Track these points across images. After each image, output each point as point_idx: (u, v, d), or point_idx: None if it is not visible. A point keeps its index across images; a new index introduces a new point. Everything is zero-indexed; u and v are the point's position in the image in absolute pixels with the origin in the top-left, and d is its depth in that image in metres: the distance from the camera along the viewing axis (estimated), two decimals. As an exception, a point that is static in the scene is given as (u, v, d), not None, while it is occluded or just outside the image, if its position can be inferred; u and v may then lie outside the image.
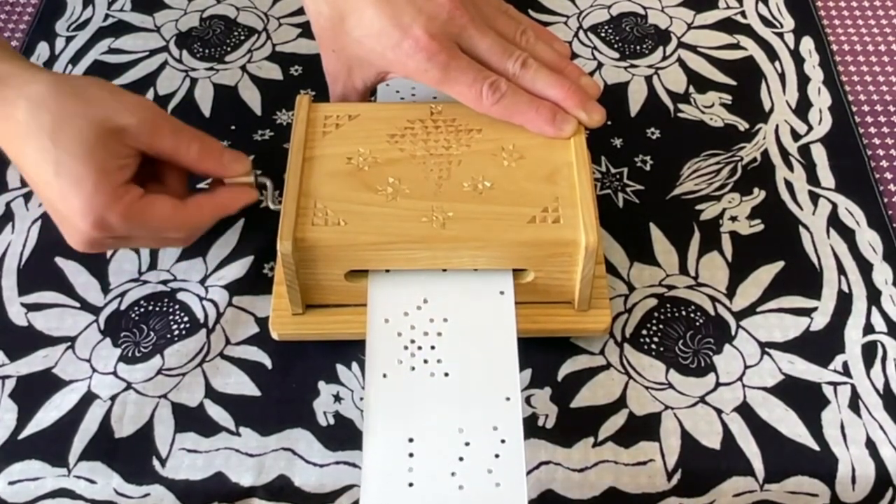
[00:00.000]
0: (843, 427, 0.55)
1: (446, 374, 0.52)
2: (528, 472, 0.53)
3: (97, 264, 0.61)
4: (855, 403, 0.56)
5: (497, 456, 0.49)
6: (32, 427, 0.55)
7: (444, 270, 0.54)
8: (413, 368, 0.52)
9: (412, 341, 0.52)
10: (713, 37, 0.75)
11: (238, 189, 0.56)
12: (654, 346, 0.58)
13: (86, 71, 0.73)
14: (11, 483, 0.53)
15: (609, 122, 0.63)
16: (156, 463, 0.54)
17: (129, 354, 0.58)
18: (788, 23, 0.76)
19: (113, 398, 0.56)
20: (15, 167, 0.52)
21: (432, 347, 0.52)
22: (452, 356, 0.52)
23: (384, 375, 0.51)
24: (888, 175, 0.67)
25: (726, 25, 0.76)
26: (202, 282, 0.61)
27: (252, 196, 0.56)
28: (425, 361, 0.52)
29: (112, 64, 0.73)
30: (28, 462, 0.54)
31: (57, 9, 0.78)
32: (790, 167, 0.67)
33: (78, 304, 0.60)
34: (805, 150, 0.68)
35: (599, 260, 0.56)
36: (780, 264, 0.61)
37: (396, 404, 0.51)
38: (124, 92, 0.54)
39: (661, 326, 0.59)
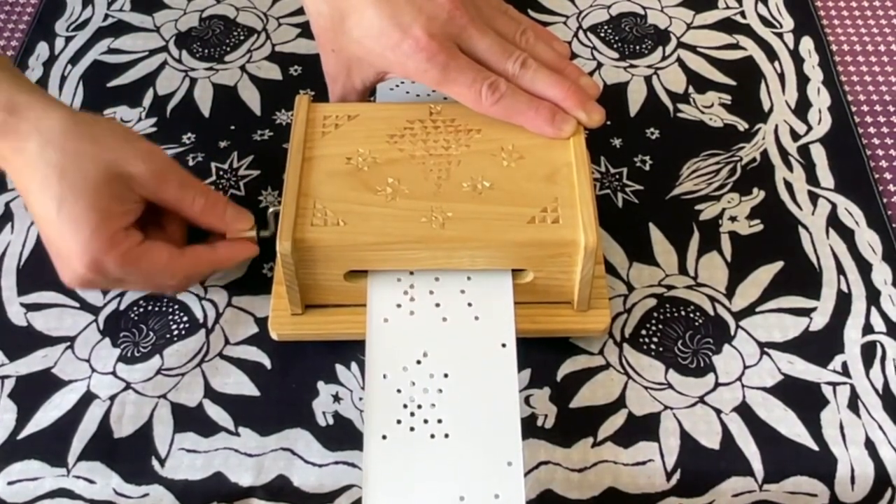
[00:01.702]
0: (842, 427, 0.55)
1: (447, 436, 0.50)
2: (528, 473, 0.53)
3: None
4: (854, 404, 0.56)
5: None
6: (32, 427, 0.55)
7: (445, 320, 0.53)
8: (412, 429, 0.50)
9: (412, 399, 0.51)
10: (713, 37, 0.75)
11: (239, 244, 0.57)
12: (653, 346, 0.58)
13: (85, 71, 0.73)
14: (11, 483, 0.53)
15: (608, 122, 0.63)
16: (155, 463, 0.54)
17: (129, 354, 0.58)
18: (788, 23, 0.76)
19: (112, 398, 0.56)
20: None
21: (432, 405, 0.51)
22: (453, 416, 0.51)
23: (384, 437, 0.50)
24: (888, 175, 0.67)
25: (726, 25, 0.76)
26: (202, 282, 0.61)
27: (252, 251, 0.57)
28: (425, 421, 0.50)
29: (111, 64, 0.73)
30: (27, 462, 0.54)
31: (57, 9, 0.78)
32: (790, 167, 0.67)
33: (77, 304, 0.60)
34: (804, 150, 0.68)
35: (599, 260, 0.56)
36: (779, 264, 0.61)
37: (397, 470, 0.49)
38: (138, 138, 0.54)
39: (660, 326, 0.59)
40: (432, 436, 0.50)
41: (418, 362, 0.52)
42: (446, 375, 0.52)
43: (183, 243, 0.56)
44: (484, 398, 0.51)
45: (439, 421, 0.50)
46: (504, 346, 0.53)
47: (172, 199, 0.54)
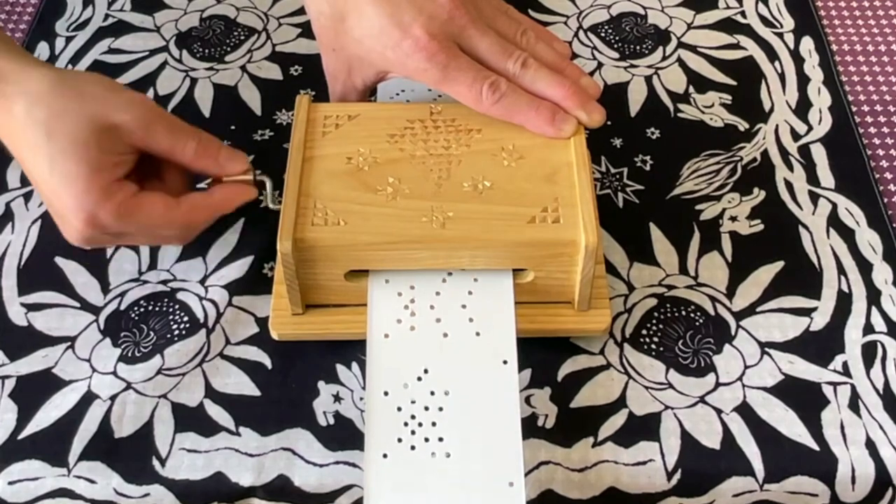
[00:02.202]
0: (842, 427, 0.55)
1: (448, 455, 0.50)
2: (528, 473, 0.53)
3: (97, 264, 0.61)
4: (855, 403, 0.56)
5: None
6: (32, 427, 0.55)
7: (446, 336, 0.53)
8: (413, 448, 0.50)
9: (412, 417, 0.51)
10: (713, 37, 0.75)
11: (235, 187, 0.56)
12: (653, 346, 0.58)
13: (86, 70, 0.73)
14: (11, 483, 0.53)
15: (609, 122, 0.63)
16: (156, 463, 0.54)
17: (129, 354, 0.58)
18: (788, 23, 0.76)
19: (113, 398, 0.56)
20: (16, 165, 0.52)
21: (433, 424, 0.50)
22: (454, 434, 0.50)
23: (384, 455, 0.50)
24: (888, 175, 0.67)
25: (726, 25, 0.76)
26: (202, 282, 0.61)
27: (250, 194, 0.56)
28: (426, 440, 0.50)
29: (112, 64, 0.73)
30: (28, 462, 0.54)
31: (57, 9, 0.78)
32: (790, 167, 0.67)
33: (78, 304, 0.60)
34: (805, 150, 0.68)
35: (599, 260, 0.56)
36: (780, 264, 0.61)
37: (398, 489, 0.49)
38: (122, 89, 0.54)
39: (660, 326, 0.59)
40: (433, 454, 0.50)
41: (419, 379, 0.52)
42: (447, 393, 0.51)
43: (183, 195, 0.55)
44: (485, 416, 0.51)
45: (440, 440, 0.50)
46: (505, 362, 0.52)
47: (163, 145, 0.53)
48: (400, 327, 0.53)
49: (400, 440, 0.50)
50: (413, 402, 0.51)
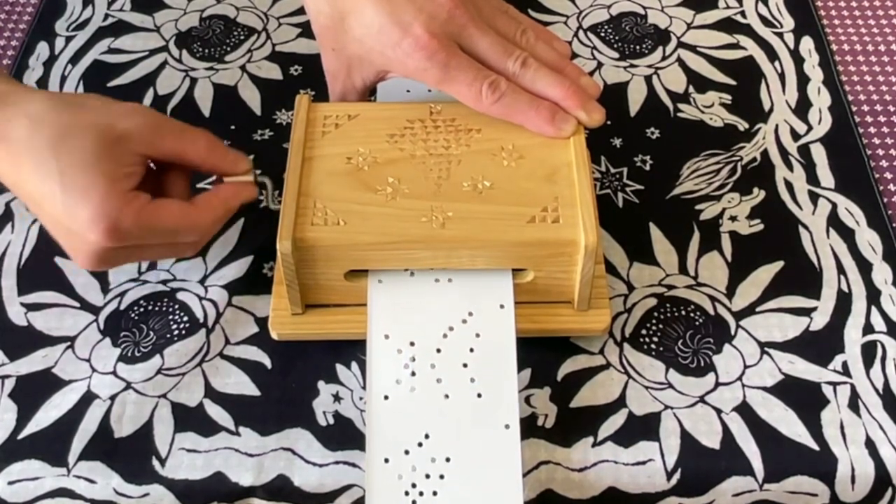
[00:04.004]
0: (842, 427, 0.55)
1: None
2: (528, 473, 0.53)
3: (97, 264, 0.61)
4: (854, 403, 0.56)
5: None
6: (32, 427, 0.55)
7: (447, 397, 0.51)
8: None
9: (413, 486, 0.49)
10: (713, 37, 0.75)
11: (239, 184, 0.56)
12: (653, 345, 0.58)
13: (85, 71, 0.73)
14: (11, 483, 0.53)
15: (609, 122, 0.63)
16: (155, 463, 0.54)
17: (129, 354, 0.58)
18: (788, 23, 0.76)
19: (112, 398, 0.56)
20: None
21: (434, 493, 0.49)
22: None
23: None
24: (888, 175, 0.67)
25: (726, 25, 0.76)
26: (202, 281, 0.61)
27: (253, 193, 0.56)
28: None
29: (112, 64, 0.73)
30: (28, 462, 0.54)
31: (57, 9, 0.78)
32: (790, 167, 0.67)
33: (78, 304, 0.60)
34: (805, 150, 0.68)
35: (599, 260, 0.56)
36: (779, 264, 0.61)
37: None
38: (119, 101, 0.53)
39: (660, 326, 0.59)
40: None
41: (420, 445, 0.51)
42: (448, 460, 0.50)
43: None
44: (487, 485, 0.50)
45: None
46: (507, 427, 0.51)
47: (173, 147, 0.53)
48: (400, 388, 0.52)
49: None
50: (414, 468, 0.50)
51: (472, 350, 0.53)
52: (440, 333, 0.53)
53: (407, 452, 0.50)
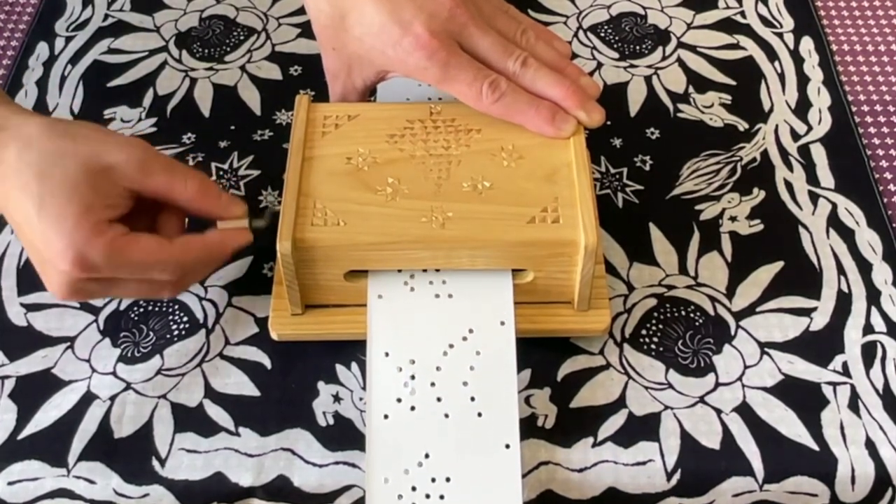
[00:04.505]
0: (842, 427, 0.55)
1: None
2: (528, 473, 0.53)
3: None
4: (854, 403, 0.56)
5: None
6: (32, 427, 0.55)
7: (447, 416, 0.51)
8: None
9: None
10: (713, 37, 0.75)
11: (231, 231, 0.54)
12: (653, 346, 0.58)
13: (85, 71, 0.73)
14: (11, 483, 0.53)
15: (609, 122, 0.63)
16: (155, 463, 0.54)
17: (129, 354, 0.58)
18: (788, 23, 0.76)
19: (112, 398, 0.56)
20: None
21: None
22: None
23: None
24: (888, 175, 0.67)
25: (726, 25, 0.76)
26: (201, 282, 0.61)
27: (246, 238, 0.55)
28: None
29: (112, 64, 0.73)
30: (27, 462, 0.54)
31: (57, 9, 0.78)
32: (790, 167, 0.67)
33: (77, 305, 0.60)
34: (805, 150, 0.68)
35: (599, 260, 0.56)
36: (779, 264, 0.61)
37: None
38: (114, 132, 0.53)
39: (660, 326, 0.59)
40: None
41: (420, 464, 0.50)
42: (448, 479, 0.50)
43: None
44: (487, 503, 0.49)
45: None
46: (508, 446, 0.51)
47: (161, 185, 0.52)
48: (400, 407, 0.51)
49: None
50: (414, 488, 0.49)
51: (472, 368, 0.52)
52: (440, 351, 0.53)
53: (407, 472, 0.50)
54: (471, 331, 0.53)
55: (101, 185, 0.50)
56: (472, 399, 0.52)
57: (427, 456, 0.50)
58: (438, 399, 0.52)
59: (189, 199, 0.53)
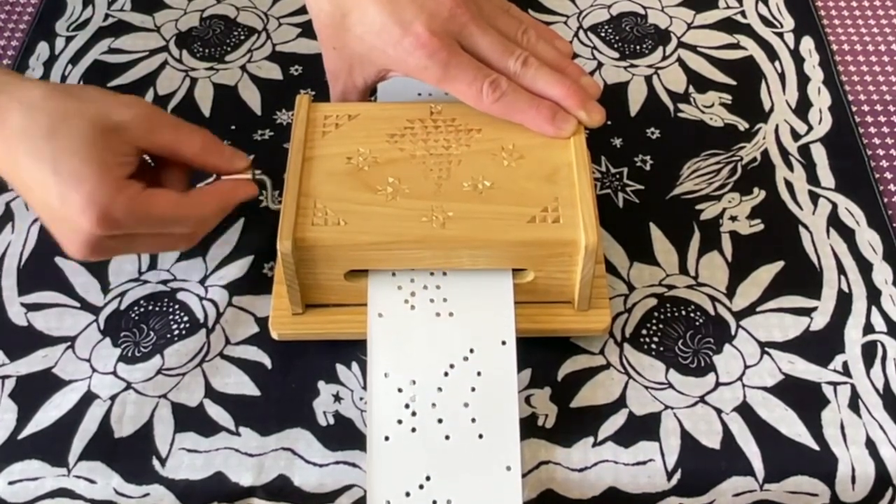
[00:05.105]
0: (842, 427, 0.55)
1: None
2: (528, 473, 0.53)
3: (97, 264, 0.61)
4: (855, 403, 0.56)
5: None
6: (32, 427, 0.55)
7: (447, 438, 0.51)
8: None
9: None
10: (713, 37, 0.75)
11: (238, 181, 0.55)
12: (653, 345, 0.58)
13: (86, 71, 0.73)
14: (11, 483, 0.53)
15: (609, 122, 0.63)
16: (155, 463, 0.54)
17: (129, 354, 0.58)
18: (788, 23, 0.76)
19: (113, 398, 0.56)
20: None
21: None
22: None
23: None
24: (888, 175, 0.67)
25: (726, 25, 0.76)
26: (202, 282, 0.61)
27: (251, 191, 0.56)
28: None
29: (112, 64, 0.73)
30: (28, 462, 0.54)
31: (57, 9, 0.78)
32: (790, 167, 0.67)
33: (78, 304, 0.60)
34: (805, 150, 0.68)
35: (599, 260, 0.56)
36: (780, 264, 0.61)
37: None
38: (118, 93, 0.53)
39: (660, 326, 0.59)
40: None
41: (421, 487, 0.50)
42: (449, 502, 0.50)
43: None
44: None
45: None
46: (509, 468, 0.50)
47: (168, 141, 0.52)
48: (401, 429, 0.51)
49: None
50: None
51: (473, 389, 0.52)
52: (441, 372, 0.52)
53: (408, 494, 0.50)
54: (472, 350, 0.53)
55: (112, 144, 0.50)
56: (473, 420, 0.51)
57: (428, 478, 0.50)
58: (439, 420, 0.51)
59: (195, 154, 0.54)
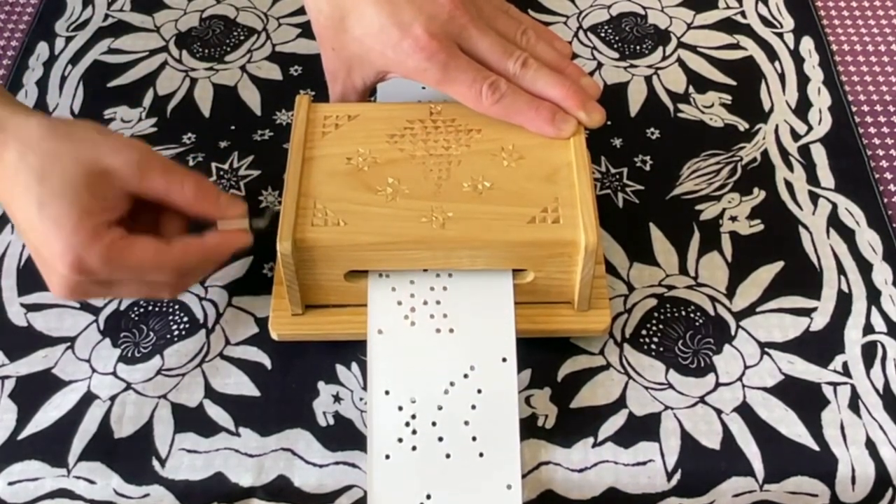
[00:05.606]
0: (842, 427, 0.55)
1: None
2: (528, 473, 0.53)
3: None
4: (855, 403, 0.56)
5: None
6: (32, 427, 0.55)
7: (448, 457, 0.51)
8: None
9: None
10: (713, 37, 0.75)
11: (230, 233, 0.54)
12: (653, 346, 0.58)
13: (85, 71, 0.73)
14: (11, 483, 0.53)
15: (609, 122, 0.63)
16: (155, 463, 0.54)
17: (129, 355, 0.58)
18: (788, 23, 0.76)
19: (112, 398, 0.56)
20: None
21: None
22: None
23: None
24: (888, 175, 0.67)
25: (726, 25, 0.76)
26: (202, 282, 0.61)
27: (244, 240, 0.55)
28: None
29: (112, 64, 0.73)
30: (28, 462, 0.54)
31: (57, 9, 0.78)
32: (790, 167, 0.67)
33: (77, 305, 0.60)
34: (805, 150, 0.68)
35: (599, 260, 0.56)
36: (779, 264, 0.61)
37: None
38: (114, 133, 0.53)
39: (660, 326, 0.59)
40: None
41: None
42: None
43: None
44: None
45: None
46: (509, 487, 0.50)
47: (159, 187, 0.52)
48: (401, 447, 0.51)
49: None
50: None
51: (473, 407, 0.52)
52: (441, 389, 0.52)
53: None
54: (472, 368, 0.53)
55: (99, 189, 0.50)
56: (474, 439, 0.51)
57: (429, 497, 0.50)
58: (440, 439, 0.51)
59: (187, 202, 0.53)
